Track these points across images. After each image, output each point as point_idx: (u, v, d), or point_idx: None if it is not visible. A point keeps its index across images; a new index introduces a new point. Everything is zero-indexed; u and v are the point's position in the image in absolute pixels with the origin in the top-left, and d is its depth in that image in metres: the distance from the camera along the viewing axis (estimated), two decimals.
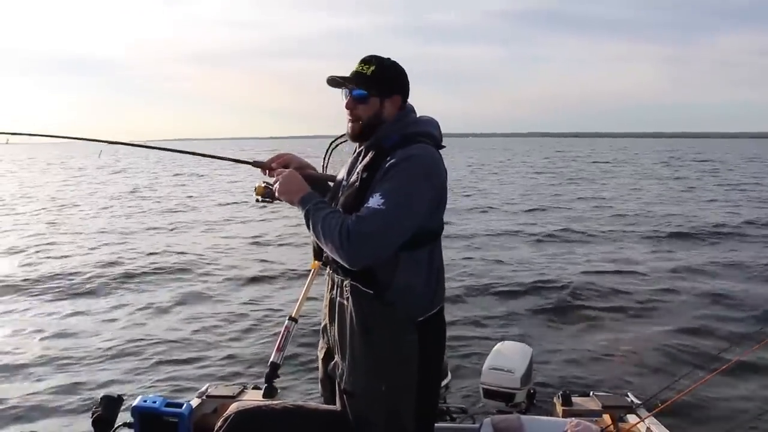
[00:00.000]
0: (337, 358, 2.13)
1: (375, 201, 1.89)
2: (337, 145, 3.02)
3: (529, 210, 18.98)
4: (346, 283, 2.04)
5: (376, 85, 2.04)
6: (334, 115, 2.41)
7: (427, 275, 2.04)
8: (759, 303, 8.60)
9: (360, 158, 2.13)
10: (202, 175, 32.67)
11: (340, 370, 2.10)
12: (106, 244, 13.04)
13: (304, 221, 2.03)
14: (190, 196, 23.81)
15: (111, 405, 2.55)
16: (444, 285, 2.15)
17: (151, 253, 12.02)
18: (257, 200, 2.23)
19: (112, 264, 11.03)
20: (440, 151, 2.12)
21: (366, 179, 2.00)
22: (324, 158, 2.98)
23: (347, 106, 2.08)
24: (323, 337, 2.26)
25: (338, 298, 2.09)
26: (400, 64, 2.12)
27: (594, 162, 49.20)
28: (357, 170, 2.09)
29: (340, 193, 2.14)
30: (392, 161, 1.95)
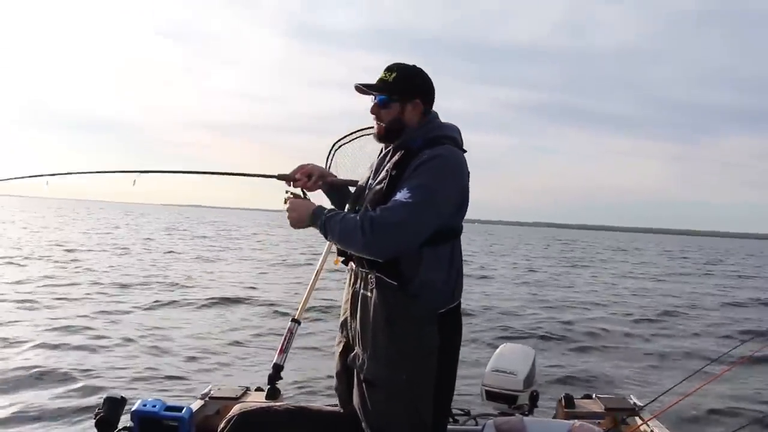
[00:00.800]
0: (357, 349, 2.14)
1: (402, 195, 1.96)
2: (339, 147, 3.04)
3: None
4: (371, 275, 2.09)
5: (396, 90, 2.14)
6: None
7: (448, 270, 2.10)
8: (759, 307, 8.59)
9: (388, 158, 2.20)
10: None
11: (360, 360, 2.12)
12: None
13: (323, 236, 2.10)
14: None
15: (114, 406, 2.55)
16: (462, 281, 2.22)
17: (153, 265, 12.06)
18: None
19: (116, 270, 11.06)
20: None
21: (395, 176, 2.08)
22: (327, 159, 3.00)
23: (371, 111, 2.19)
24: (342, 332, 2.28)
25: (362, 291, 2.13)
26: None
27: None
28: (386, 168, 2.16)
29: (367, 191, 2.20)
30: (421, 159, 2.03)
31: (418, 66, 2.21)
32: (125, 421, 2.53)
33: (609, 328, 7.75)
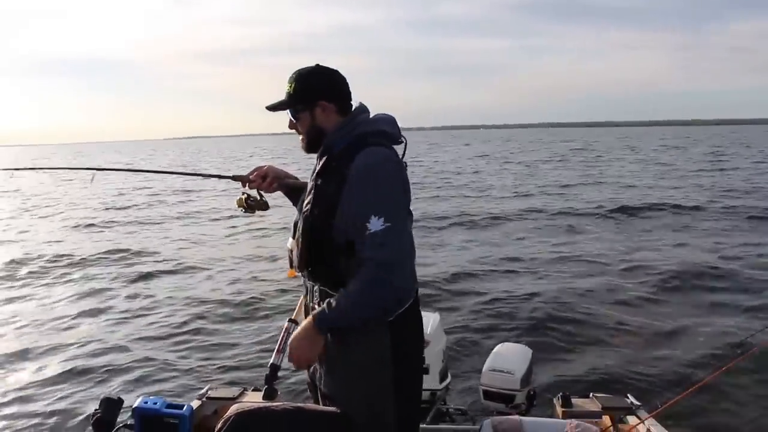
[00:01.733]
0: (317, 365, 2.14)
1: (376, 224, 1.88)
2: None
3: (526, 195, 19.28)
4: (315, 287, 2.07)
5: (299, 100, 2.10)
6: None
7: None
8: (759, 307, 8.59)
9: (314, 171, 2.16)
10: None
11: (318, 374, 2.12)
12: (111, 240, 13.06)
13: (345, 327, 1.99)
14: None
15: (111, 407, 2.55)
16: (416, 277, 2.13)
17: (148, 255, 12.04)
18: (244, 208, 2.45)
19: (113, 264, 11.04)
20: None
21: (321, 185, 2.04)
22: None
23: (289, 127, 2.17)
24: None
25: (311, 304, 2.12)
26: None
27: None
28: (312, 175, 2.12)
29: (303, 203, 2.15)
30: (354, 176, 1.95)
31: (318, 65, 2.13)
32: (125, 419, 2.54)
33: (607, 320, 7.75)
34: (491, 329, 7.44)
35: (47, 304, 8.74)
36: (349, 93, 2.16)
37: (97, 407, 2.57)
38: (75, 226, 16.59)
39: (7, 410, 5.13)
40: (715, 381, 4.07)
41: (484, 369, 3.56)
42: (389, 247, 1.88)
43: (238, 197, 2.41)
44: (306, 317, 2.12)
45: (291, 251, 2.20)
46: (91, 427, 2.54)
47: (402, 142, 2.14)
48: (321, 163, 2.09)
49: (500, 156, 49.05)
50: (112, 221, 17.54)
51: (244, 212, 2.43)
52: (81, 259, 11.78)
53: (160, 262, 11.60)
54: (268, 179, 2.38)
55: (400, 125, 2.15)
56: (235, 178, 2.42)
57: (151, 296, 9.07)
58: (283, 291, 9.13)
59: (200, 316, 8.02)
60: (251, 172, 2.40)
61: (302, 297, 3.26)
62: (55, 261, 11.58)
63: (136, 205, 21.56)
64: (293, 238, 2.19)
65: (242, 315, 8.03)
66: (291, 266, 2.21)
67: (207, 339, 7.12)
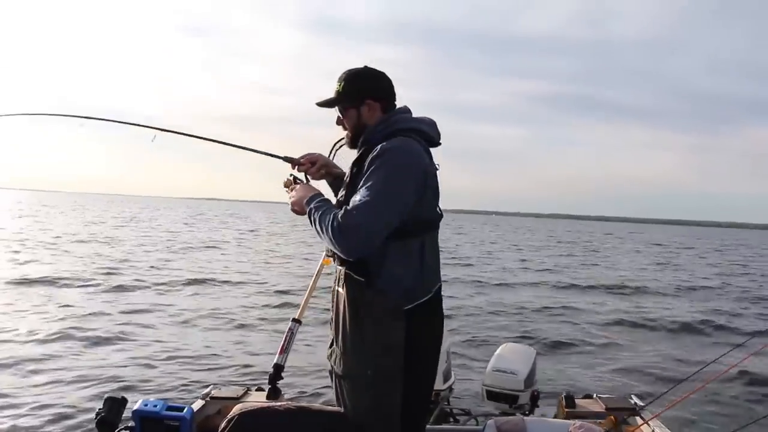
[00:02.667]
0: (334, 346, 2.18)
1: (360, 194, 1.99)
2: (339, 148, 3.07)
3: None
4: (341, 271, 2.13)
5: (347, 97, 2.19)
6: None
7: (419, 265, 2.10)
8: (762, 310, 8.58)
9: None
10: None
11: (335, 356, 2.16)
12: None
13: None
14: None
15: (115, 407, 2.55)
16: (439, 276, 2.22)
17: (153, 267, 12.07)
18: (290, 181, 2.47)
19: (116, 271, 11.07)
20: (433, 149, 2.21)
21: (355, 174, 2.13)
22: (330, 154, 3.04)
23: (337, 123, 2.27)
24: (331, 329, 2.30)
25: (337, 288, 2.17)
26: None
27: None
28: (351, 164, 2.19)
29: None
30: (372, 155, 2.05)
31: (367, 66, 2.23)
32: (126, 420, 2.54)
33: (610, 322, 7.74)
34: (495, 330, 7.44)
35: (51, 306, 8.78)
36: (394, 94, 2.26)
37: (101, 407, 2.57)
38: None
39: (8, 410, 5.14)
40: (717, 383, 4.07)
41: (487, 369, 3.56)
42: (354, 217, 1.95)
43: (285, 178, 2.44)
44: (332, 304, 2.20)
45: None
46: (95, 427, 2.55)
47: (440, 144, 2.23)
48: (358, 153, 2.17)
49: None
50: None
51: (289, 192, 2.43)
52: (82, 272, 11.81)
53: (172, 271, 11.62)
54: (317, 164, 2.44)
55: None
56: (286, 159, 2.49)
57: (152, 296, 9.09)
58: (286, 292, 9.16)
59: (202, 316, 8.03)
60: (302, 156, 2.48)
61: (305, 296, 3.27)
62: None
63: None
64: None
65: (244, 315, 8.04)
66: (327, 254, 2.26)
67: (210, 339, 7.14)
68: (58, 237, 20.21)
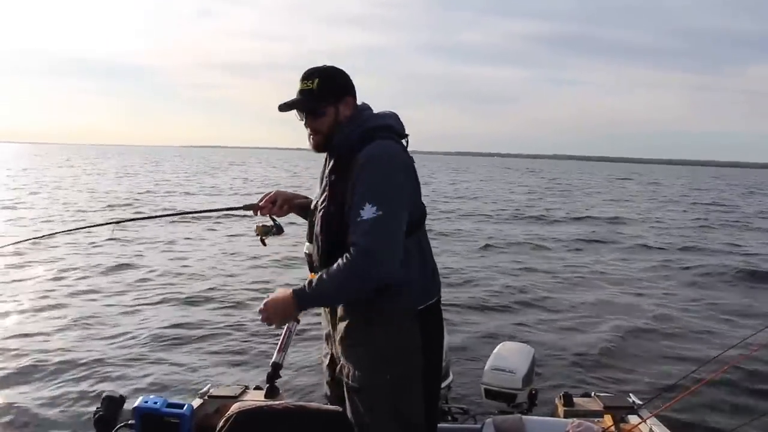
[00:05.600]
0: (342, 360, 2.12)
1: (368, 211, 1.91)
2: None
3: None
4: None
5: (327, 95, 2.07)
6: None
7: (421, 263, 2.09)
8: (760, 305, 8.59)
9: (326, 166, 2.16)
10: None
11: (346, 369, 2.11)
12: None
13: (321, 306, 2.12)
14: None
15: (113, 405, 2.55)
16: (438, 277, 2.19)
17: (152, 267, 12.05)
18: (262, 240, 2.47)
19: (116, 268, 11.06)
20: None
21: (335, 182, 2.04)
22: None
23: (307, 125, 2.10)
24: (327, 343, 2.27)
25: None
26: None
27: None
28: (325, 176, 2.12)
29: (318, 202, 2.15)
30: (359, 166, 1.97)
31: (329, 65, 2.15)
32: (126, 418, 2.54)
33: (609, 320, 7.74)
34: (493, 328, 7.44)
35: (46, 297, 8.76)
36: None
37: (99, 405, 2.57)
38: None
39: (9, 409, 5.13)
40: (716, 380, 4.07)
41: (485, 368, 3.56)
42: (374, 236, 1.88)
43: (255, 226, 2.46)
44: (332, 315, 2.14)
45: (310, 254, 2.18)
46: (93, 425, 2.55)
47: (407, 135, 2.16)
48: (333, 160, 2.10)
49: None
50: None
51: (263, 239, 2.46)
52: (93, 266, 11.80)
53: (162, 266, 11.61)
54: (278, 203, 2.39)
55: (412, 148, 2.19)
56: (246, 207, 2.46)
57: (154, 296, 9.08)
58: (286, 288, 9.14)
59: (202, 315, 8.03)
60: (260, 199, 2.42)
61: None
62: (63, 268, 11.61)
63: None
64: (310, 241, 2.18)
65: (244, 313, 8.03)
66: (311, 269, 2.18)
67: (209, 337, 7.13)
68: None
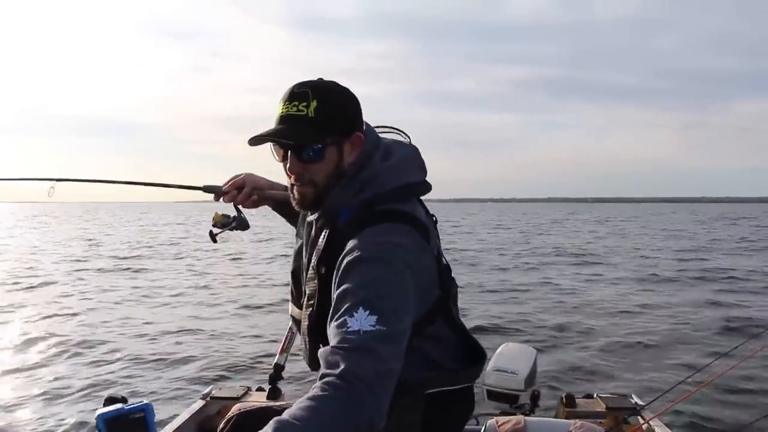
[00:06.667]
0: None
1: (364, 322, 1.29)
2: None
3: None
4: None
5: (329, 127, 1.38)
6: None
7: (442, 348, 1.58)
8: (761, 307, 8.58)
9: (314, 235, 1.54)
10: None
11: None
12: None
13: None
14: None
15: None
16: (483, 352, 1.65)
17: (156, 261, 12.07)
18: (211, 233, 1.96)
19: (116, 270, 11.08)
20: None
21: (324, 276, 1.45)
22: None
23: (292, 170, 1.42)
24: None
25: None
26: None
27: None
28: (314, 261, 1.50)
29: (305, 276, 1.57)
30: (343, 263, 1.36)
31: (331, 80, 1.44)
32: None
33: (611, 321, 7.74)
34: (495, 329, 7.44)
35: (50, 305, 8.78)
36: None
37: (101, 407, 2.57)
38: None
39: (9, 409, 5.14)
40: (718, 382, 4.06)
41: (487, 369, 3.55)
42: (376, 358, 1.27)
43: (214, 213, 1.95)
44: None
45: (298, 321, 1.67)
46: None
47: (430, 189, 1.55)
48: (324, 239, 1.48)
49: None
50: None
51: (219, 231, 1.94)
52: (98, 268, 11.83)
53: (162, 263, 11.64)
54: (246, 190, 1.85)
55: None
56: (206, 189, 1.91)
57: (154, 296, 9.09)
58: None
59: (204, 317, 8.04)
60: (226, 183, 1.88)
61: None
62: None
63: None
64: (297, 305, 1.68)
65: (246, 315, 8.04)
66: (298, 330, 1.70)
67: (211, 339, 7.14)
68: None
